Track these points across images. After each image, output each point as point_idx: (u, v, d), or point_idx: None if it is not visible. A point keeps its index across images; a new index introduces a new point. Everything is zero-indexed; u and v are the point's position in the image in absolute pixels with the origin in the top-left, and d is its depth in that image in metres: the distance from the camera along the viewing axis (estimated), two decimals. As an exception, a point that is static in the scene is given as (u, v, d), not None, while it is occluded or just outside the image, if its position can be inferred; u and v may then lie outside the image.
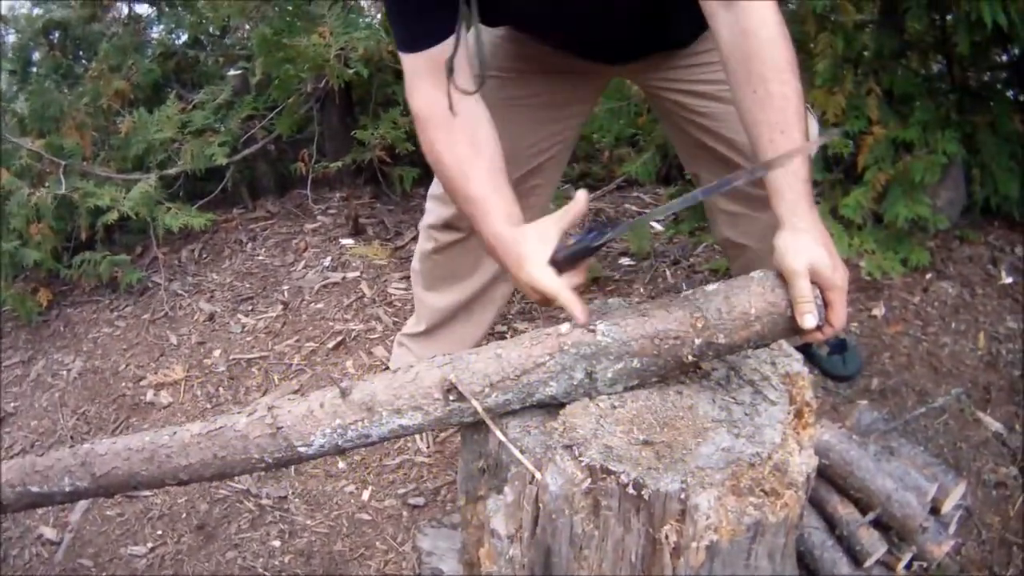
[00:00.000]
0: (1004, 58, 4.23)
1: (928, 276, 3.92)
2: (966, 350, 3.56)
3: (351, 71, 4.32)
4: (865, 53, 4.00)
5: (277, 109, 4.90)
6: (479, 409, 1.85)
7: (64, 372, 4.19)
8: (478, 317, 3.27)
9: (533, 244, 1.97)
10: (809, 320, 1.77)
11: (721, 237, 3.13)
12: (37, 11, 5.93)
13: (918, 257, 3.84)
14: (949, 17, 3.96)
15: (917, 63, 4.23)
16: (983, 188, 4.06)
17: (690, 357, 1.82)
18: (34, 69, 5.78)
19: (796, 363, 2.00)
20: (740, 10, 1.94)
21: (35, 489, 2.18)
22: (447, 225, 2.99)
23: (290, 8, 4.69)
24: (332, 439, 1.95)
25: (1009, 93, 4.22)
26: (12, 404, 4.05)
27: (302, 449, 1.96)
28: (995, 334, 3.64)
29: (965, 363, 3.50)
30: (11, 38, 6.06)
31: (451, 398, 1.87)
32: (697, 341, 1.80)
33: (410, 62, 2.18)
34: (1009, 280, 3.90)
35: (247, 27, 5.36)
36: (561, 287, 1.93)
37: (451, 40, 2.12)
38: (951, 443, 3.21)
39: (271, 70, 4.53)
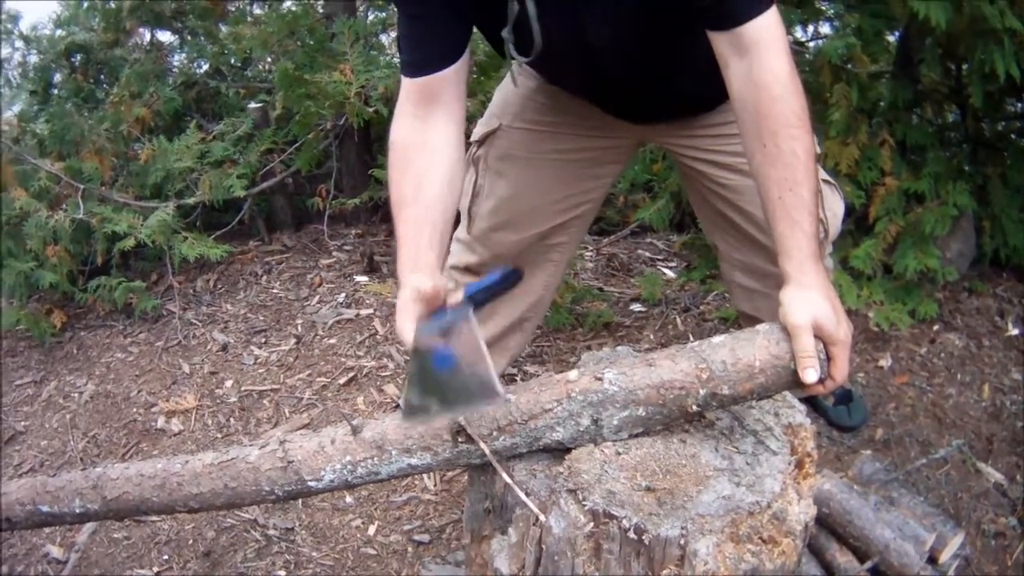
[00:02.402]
0: (1018, 107, 4.31)
1: (936, 327, 3.96)
2: (970, 401, 3.60)
3: (371, 109, 4.37)
4: (880, 104, 4.05)
5: (296, 144, 4.96)
6: (487, 452, 1.91)
7: (76, 394, 4.24)
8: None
9: (408, 301, 2.03)
10: (810, 375, 1.82)
11: (737, 309, 3.19)
12: (60, 32, 6.01)
13: (926, 309, 3.90)
14: (964, 67, 4.02)
15: (931, 112, 4.30)
16: (993, 240, 4.13)
17: (694, 407, 1.86)
18: (55, 91, 5.84)
19: (799, 414, 2.05)
20: (752, 61, 2.00)
21: (45, 508, 2.24)
22: (467, 269, 3.00)
23: (312, 44, 4.76)
24: (342, 475, 2.01)
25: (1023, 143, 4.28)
26: (23, 423, 4.10)
27: (312, 483, 2.02)
28: (999, 386, 3.68)
29: (969, 414, 3.54)
30: (33, 59, 6.11)
31: (460, 440, 1.93)
32: (701, 392, 1.85)
33: (406, 86, 2.25)
34: (1016, 332, 3.95)
35: (268, 60, 5.43)
36: (411, 342, 1.98)
37: (461, 62, 2.26)
38: (952, 493, 3.24)
39: (292, 105, 4.58)
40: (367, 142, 5.06)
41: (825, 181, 2.69)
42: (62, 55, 5.78)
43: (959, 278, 4.10)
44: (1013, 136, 4.39)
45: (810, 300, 1.88)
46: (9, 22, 6.31)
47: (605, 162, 2.84)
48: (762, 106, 2.00)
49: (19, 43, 6.40)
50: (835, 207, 2.72)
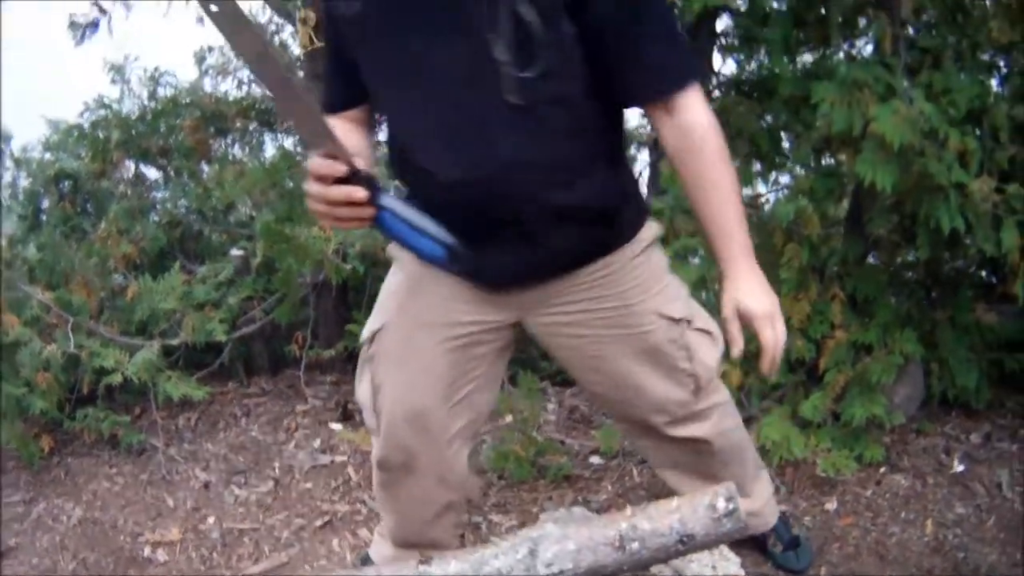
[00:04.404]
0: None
1: (882, 469, 4.16)
2: (913, 538, 3.79)
3: (348, 267, 4.64)
4: (830, 259, 4.32)
5: (276, 296, 5.20)
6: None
7: (64, 517, 4.42)
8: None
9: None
10: (733, 351, 2.44)
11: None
12: (48, 156, 6.20)
13: (872, 453, 4.12)
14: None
15: (885, 258, 4.56)
16: (941, 381, 4.36)
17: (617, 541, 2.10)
18: (43, 217, 6.02)
19: (734, 566, 2.32)
20: (682, 116, 2.44)
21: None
22: (380, 464, 3.02)
23: (293, 190, 5.05)
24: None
25: (982, 273, 4.63)
26: (14, 539, 4.28)
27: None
28: (943, 520, 3.87)
29: (911, 550, 3.73)
30: (23, 182, 6.29)
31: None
32: (623, 525, 2.09)
33: None
34: (961, 468, 4.16)
35: (249, 204, 5.69)
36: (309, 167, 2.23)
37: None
38: (891, 628, 3.46)
39: (272, 256, 4.82)
40: (344, 295, 5.32)
41: (704, 331, 2.85)
42: (51, 181, 5.97)
43: (907, 420, 4.33)
44: (972, 269, 4.69)
45: (733, 290, 2.50)
46: (2, 142, 6.47)
47: (483, 343, 2.79)
48: (694, 149, 2.46)
49: (9, 163, 6.54)
50: (708, 359, 2.84)
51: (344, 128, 2.50)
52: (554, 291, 2.67)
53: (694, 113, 2.43)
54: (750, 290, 2.51)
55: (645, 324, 2.70)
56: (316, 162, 2.20)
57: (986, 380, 4.38)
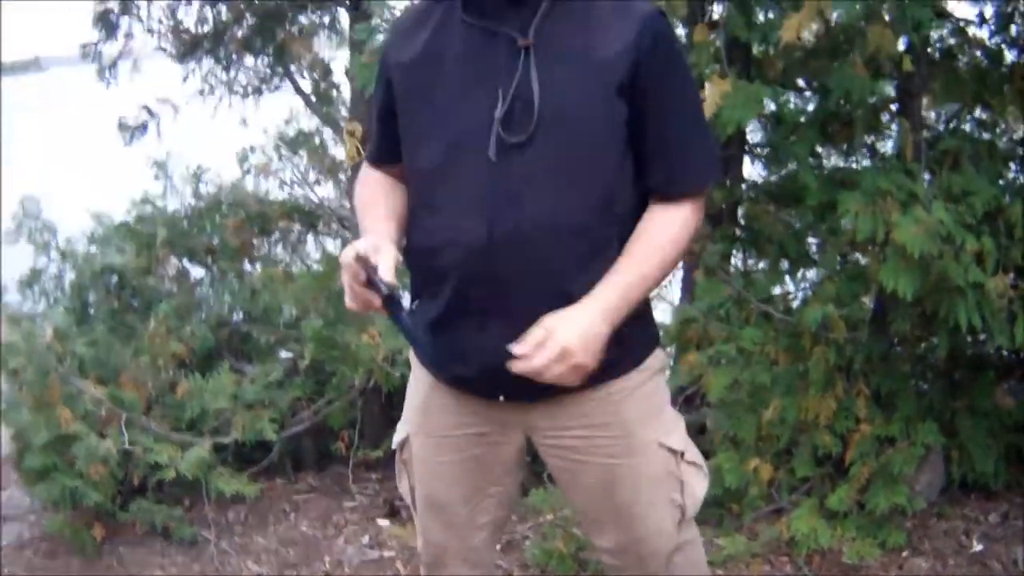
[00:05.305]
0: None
1: (904, 554, 4.28)
2: (935, 618, 3.94)
3: (397, 375, 4.79)
4: (856, 357, 4.47)
5: (327, 399, 5.37)
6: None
7: (119, 606, 4.57)
8: None
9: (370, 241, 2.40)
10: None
11: None
12: (93, 249, 6.34)
13: (895, 539, 4.24)
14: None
15: (907, 353, 4.74)
16: (960, 467, 4.53)
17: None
18: (91, 310, 6.14)
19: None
20: (673, 211, 2.48)
21: None
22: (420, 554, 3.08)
23: (340, 296, 5.12)
24: None
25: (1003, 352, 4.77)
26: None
27: None
28: (962, 599, 4.02)
29: (929, 632, 3.86)
30: (68, 274, 6.43)
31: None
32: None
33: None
34: (980, 547, 4.29)
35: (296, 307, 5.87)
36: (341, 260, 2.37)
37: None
38: None
39: (321, 357, 5.01)
40: (390, 397, 5.25)
41: (696, 464, 2.79)
42: (98, 275, 6.09)
43: (928, 505, 4.48)
44: (990, 351, 4.82)
45: (566, 312, 2.33)
46: (47, 232, 6.62)
47: (500, 444, 2.78)
48: (667, 224, 2.47)
49: (55, 254, 6.68)
50: (697, 492, 2.79)
51: (386, 184, 2.68)
52: (558, 413, 2.61)
53: (692, 211, 2.50)
54: (574, 320, 2.33)
55: (646, 454, 2.66)
56: (347, 264, 2.36)
57: (1004, 462, 4.55)
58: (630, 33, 2.37)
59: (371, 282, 2.32)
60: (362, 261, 2.31)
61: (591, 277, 2.40)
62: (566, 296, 2.37)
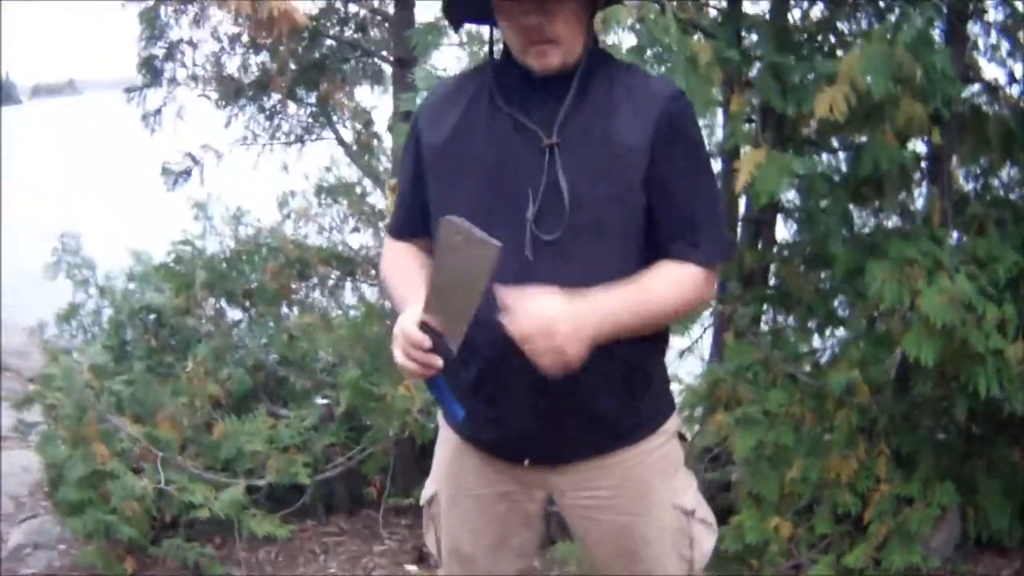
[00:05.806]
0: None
1: (919, 611, 4.41)
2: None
3: (432, 426, 4.74)
4: (879, 419, 4.58)
5: (361, 447, 5.46)
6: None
7: (150, 641, 4.64)
8: None
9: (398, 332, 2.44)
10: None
11: None
12: (131, 286, 6.51)
13: (909, 597, 4.38)
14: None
15: (929, 414, 4.79)
16: (976, 525, 4.64)
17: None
18: (128, 348, 6.23)
19: None
20: (685, 268, 2.53)
21: None
22: None
23: (378, 344, 5.33)
24: None
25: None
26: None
27: None
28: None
29: None
30: (106, 310, 6.61)
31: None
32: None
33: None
34: (990, 602, 4.39)
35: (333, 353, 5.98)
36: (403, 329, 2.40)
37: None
38: None
39: (357, 406, 5.13)
40: (423, 447, 5.31)
41: (706, 522, 2.88)
42: (136, 314, 6.22)
43: (942, 562, 4.55)
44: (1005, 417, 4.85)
45: (559, 296, 2.34)
46: (86, 268, 6.73)
47: (523, 502, 2.86)
48: (671, 284, 2.51)
49: (93, 290, 6.80)
50: (706, 548, 2.87)
51: (418, 256, 2.77)
52: (579, 476, 2.72)
53: (705, 280, 2.57)
54: (572, 308, 2.34)
55: (659, 512, 2.75)
56: (408, 332, 2.40)
57: (1018, 519, 4.64)
58: (650, 118, 2.48)
59: (435, 347, 2.38)
60: (427, 328, 2.37)
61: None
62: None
